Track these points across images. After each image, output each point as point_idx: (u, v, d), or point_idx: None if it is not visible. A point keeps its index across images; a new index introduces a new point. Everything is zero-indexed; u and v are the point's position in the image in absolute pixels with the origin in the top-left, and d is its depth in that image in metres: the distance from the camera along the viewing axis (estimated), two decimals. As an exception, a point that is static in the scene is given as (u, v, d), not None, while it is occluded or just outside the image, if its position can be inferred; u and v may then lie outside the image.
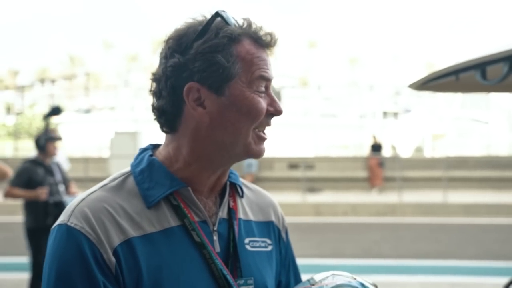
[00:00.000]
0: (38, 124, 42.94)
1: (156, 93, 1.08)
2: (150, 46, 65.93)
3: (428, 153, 25.85)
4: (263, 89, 1.07)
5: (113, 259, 0.98)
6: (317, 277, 1.12)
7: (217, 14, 1.05)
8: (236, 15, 1.09)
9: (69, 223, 0.99)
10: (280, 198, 13.54)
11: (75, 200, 1.04)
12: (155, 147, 1.15)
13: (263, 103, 1.05)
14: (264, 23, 1.09)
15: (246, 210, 1.20)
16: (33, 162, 4.87)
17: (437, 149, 27.21)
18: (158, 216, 1.05)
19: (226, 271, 1.07)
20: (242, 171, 15.24)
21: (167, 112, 1.07)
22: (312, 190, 14.26)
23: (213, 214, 1.11)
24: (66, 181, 5.04)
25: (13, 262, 7.34)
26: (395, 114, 40.66)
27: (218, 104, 1.04)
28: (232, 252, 1.10)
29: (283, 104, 1.12)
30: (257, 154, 1.09)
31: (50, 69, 70.66)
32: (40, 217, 4.64)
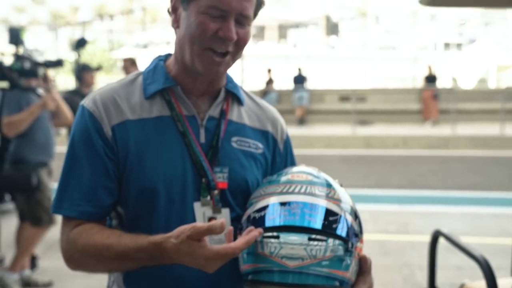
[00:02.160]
0: (98, 59, 44.09)
1: None
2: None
3: (492, 85, 24.78)
4: (217, 15, 1.19)
5: (111, 133, 1.23)
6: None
7: None
8: None
9: (84, 104, 1.27)
10: (330, 130, 13.55)
11: (99, 88, 1.31)
12: (170, 55, 1.35)
13: (210, 24, 1.19)
14: None
15: (242, 115, 1.36)
16: (73, 92, 5.09)
17: (502, 81, 26.01)
18: (153, 106, 1.27)
19: (202, 158, 1.26)
20: (293, 103, 15.24)
21: (171, 21, 1.29)
22: (363, 122, 14.13)
23: (203, 112, 1.30)
24: None
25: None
26: (459, 45, 38.88)
27: (183, 16, 1.24)
28: (214, 144, 1.28)
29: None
30: (204, 71, 1.24)
31: (109, 4, 71.49)
32: None
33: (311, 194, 1.14)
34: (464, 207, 6.73)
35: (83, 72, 5.02)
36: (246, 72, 16.76)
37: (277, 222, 1.11)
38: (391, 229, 5.79)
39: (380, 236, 5.51)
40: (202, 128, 1.28)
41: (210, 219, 1.25)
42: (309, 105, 15.29)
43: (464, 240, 4.64)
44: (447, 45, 38.51)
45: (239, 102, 1.36)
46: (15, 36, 4.21)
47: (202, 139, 1.27)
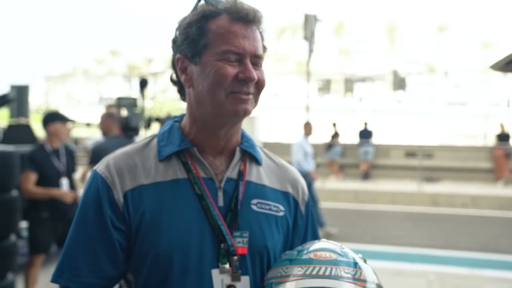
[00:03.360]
0: (168, 108, 45.76)
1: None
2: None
3: None
4: (233, 59, 1.18)
5: (122, 199, 1.19)
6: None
7: None
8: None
9: (97, 169, 1.25)
10: (395, 186, 13.26)
11: (112, 153, 1.29)
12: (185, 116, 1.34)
13: (228, 69, 1.18)
14: (252, 2, 1.22)
15: (261, 176, 1.32)
16: None
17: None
18: (168, 169, 1.23)
19: (221, 222, 1.20)
20: (358, 158, 15.09)
21: (176, 83, 1.30)
22: (429, 179, 13.74)
23: (221, 173, 1.26)
24: None
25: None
26: (532, 103, 37.50)
27: (195, 72, 1.22)
28: (233, 207, 1.23)
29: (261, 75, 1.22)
30: (234, 112, 1.20)
31: (180, 56, 74.42)
32: None
33: (337, 278, 1.09)
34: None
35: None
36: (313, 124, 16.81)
37: None
38: (460, 293, 5.52)
39: (447, 300, 5.27)
40: (220, 191, 1.23)
41: (228, 287, 1.20)
42: (374, 160, 15.08)
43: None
44: (519, 102, 37.20)
45: (257, 162, 1.32)
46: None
47: (221, 202, 1.22)
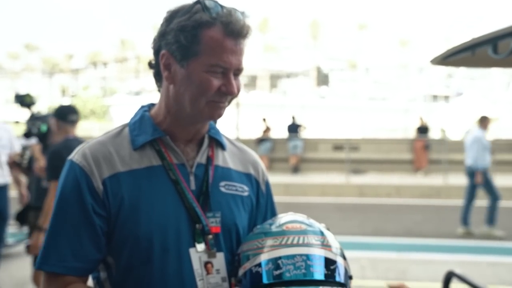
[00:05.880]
0: (91, 105, 44.36)
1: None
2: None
3: (479, 137, 25.19)
4: (219, 71, 1.25)
5: (101, 187, 1.25)
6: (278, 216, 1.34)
7: (198, 2, 1.26)
8: (224, 3, 1.28)
9: (73, 159, 1.29)
10: (324, 179, 13.70)
11: (86, 142, 1.34)
12: (153, 105, 1.40)
13: (213, 82, 1.25)
14: (247, 15, 1.29)
15: (226, 160, 1.41)
16: None
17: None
18: (143, 156, 1.30)
19: (195, 204, 1.29)
20: (288, 152, 15.43)
21: (154, 72, 1.35)
22: (356, 171, 14.31)
23: (192, 159, 1.34)
24: None
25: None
26: (446, 98, 39.72)
27: (180, 74, 1.27)
28: (204, 190, 1.32)
29: (240, 87, 1.31)
30: (211, 117, 1.30)
31: (103, 52, 72.37)
32: None
33: (309, 245, 1.18)
34: (461, 255, 6.83)
35: None
36: (241, 120, 16.98)
37: (286, 277, 1.14)
38: (390, 276, 5.86)
39: (379, 283, 5.58)
40: (192, 175, 1.32)
41: (206, 264, 1.28)
42: (303, 153, 15.48)
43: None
44: (435, 97, 39.32)
45: (222, 147, 1.42)
46: (23, 100, 4.40)
47: (193, 186, 1.31)
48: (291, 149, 15.31)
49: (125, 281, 1.25)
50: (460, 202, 11.67)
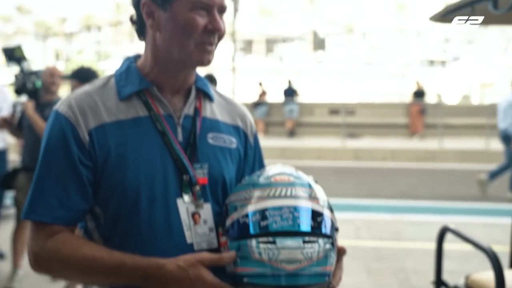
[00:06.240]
0: (86, 70, 43.91)
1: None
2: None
3: (475, 102, 25.28)
4: (203, 9, 1.24)
5: (87, 138, 1.24)
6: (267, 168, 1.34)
7: None
8: None
9: (59, 110, 1.28)
10: (320, 143, 13.75)
11: (71, 93, 1.32)
12: (139, 57, 1.38)
13: (199, 20, 1.24)
14: None
15: (214, 112, 1.40)
16: None
17: (485, 98, 26.56)
18: (129, 107, 1.29)
19: (182, 155, 1.29)
20: (283, 116, 15.45)
21: (136, 23, 1.34)
22: (352, 135, 14.37)
23: (179, 110, 1.33)
24: None
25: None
26: (443, 62, 39.59)
27: (164, 18, 1.26)
28: (192, 141, 1.32)
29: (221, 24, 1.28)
30: (200, 62, 1.29)
31: (97, 16, 71.40)
32: None
33: (296, 197, 1.18)
34: (454, 217, 6.94)
35: None
36: (237, 85, 16.93)
37: (272, 228, 1.14)
38: (385, 236, 5.96)
39: (374, 243, 5.69)
40: (179, 127, 1.31)
41: (193, 214, 1.28)
42: (299, 117, 15.50)
43: (454, 247, 4.80)
44: (431, 62, 39.18)
45: (210, 98, 1.40)
46: (12, 55, 4.13)
47: (180, 137, 1.30)
48: (287, 113, 15.32)
49: (113, 231, 1.26)
50: (455, 166, 11.81)
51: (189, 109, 1.34)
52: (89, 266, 1.19)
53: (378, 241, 5.78)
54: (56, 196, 1.23)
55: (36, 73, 4.13)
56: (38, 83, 4.04)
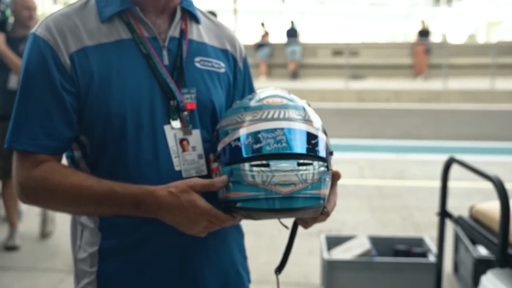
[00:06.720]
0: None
1: None
2: None
3: (481, 41, 24.87)
4: None
5: (69, 62, 1.17)
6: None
7: None
8: None
9: (36, 32, 1.20)
10: (323, 84, 13.65)
11: (49, 15, 1.23)
12: None
13: None
14: None
15: (201, 34, 1.34)
16: None
17: (491, 37, 26.09)
18: (112, 30, 1.22)
19: (169, 79, 1.23)
20: (286, 57, 15.26)
21: None
22: (355, 76, 14.24)
23: (164, 32, 1.26)
24: None
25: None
26: (449, 1, 38.65)
27: None
28: (178, 65, 1.25)
29: None
30: None
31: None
32: None
33: (290, 119, 1.14)
34: (456, 156, 6.95)
35: None
36: (239, 27, 16.65)
37: (266, 150, 1.10)
38: (388, 175, 6.01)
39: (377, 182, 5.73)
40: (164, 50, 1.25)
41: (181, 141, 1.24)
42: (302, 59, 15.31)
43: (457, 185, 4.83)
44: (437, 1, 38.23)
45: (196, 20, 1.33)
46: None
47: (166, 61, 1.24)
48: (289, 54, 15.13)
49: (100, 160, 1.22)
50: (458, 106, 11.75)
51: (174, 31, 1.27)
52: (78, 194, 1.16)
53: (382, 179, 5.83)
54: (39, 124, 1.17)
55: (4, 2, 3.72)
56: (8, 12, 3.64)
